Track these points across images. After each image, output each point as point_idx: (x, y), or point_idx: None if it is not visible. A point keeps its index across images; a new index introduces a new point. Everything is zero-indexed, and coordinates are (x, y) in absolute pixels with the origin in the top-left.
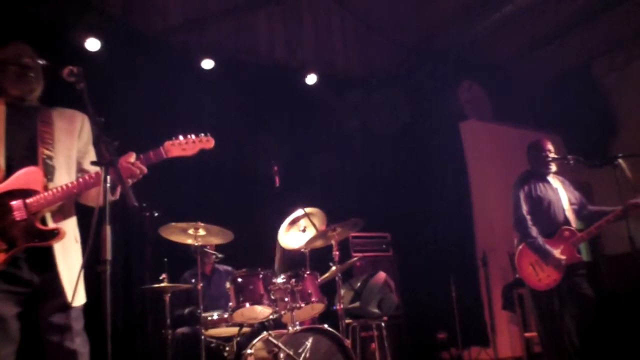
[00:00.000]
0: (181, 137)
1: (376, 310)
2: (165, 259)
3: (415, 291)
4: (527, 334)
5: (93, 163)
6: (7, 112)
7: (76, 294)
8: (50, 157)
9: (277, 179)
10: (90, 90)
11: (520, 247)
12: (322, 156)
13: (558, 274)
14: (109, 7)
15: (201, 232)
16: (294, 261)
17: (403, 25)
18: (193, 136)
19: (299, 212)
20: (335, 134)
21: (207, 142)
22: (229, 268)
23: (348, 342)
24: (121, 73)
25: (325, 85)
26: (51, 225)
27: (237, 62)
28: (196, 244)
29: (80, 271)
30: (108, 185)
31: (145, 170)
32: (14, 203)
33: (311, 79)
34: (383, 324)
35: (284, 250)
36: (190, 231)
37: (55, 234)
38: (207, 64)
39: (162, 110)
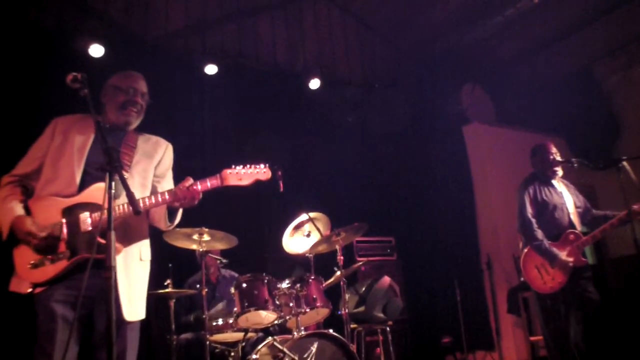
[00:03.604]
0: (240, 167)
1: (381, 315)
2: (170, 265)
3: (420, 295)
4: (532, 338)
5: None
6: (96, 134)
7: (133, 309)
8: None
9: (281, 184)
10: (93, 96)
11: (526, 250)
12: (326, 159)
13: (563, 277)
14: (110, 13)
15: (205, 237)
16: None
17: (405, 28)
18: (252, 166)
19: (303, 216)
20: (338, 137)
21: (264, 174)
22: (235, 274)
23: (353, 347)
24: None
25: (327, 88)
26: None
27: (239, 66)
28: (200, 249)
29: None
30: (113, 191)
31: (200, 196)
32: (81, 215)
33: (314, 84)
34: (388, 329)
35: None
36: (195, 236)
37: None
38: (210, 68)
39: (165, 115)
